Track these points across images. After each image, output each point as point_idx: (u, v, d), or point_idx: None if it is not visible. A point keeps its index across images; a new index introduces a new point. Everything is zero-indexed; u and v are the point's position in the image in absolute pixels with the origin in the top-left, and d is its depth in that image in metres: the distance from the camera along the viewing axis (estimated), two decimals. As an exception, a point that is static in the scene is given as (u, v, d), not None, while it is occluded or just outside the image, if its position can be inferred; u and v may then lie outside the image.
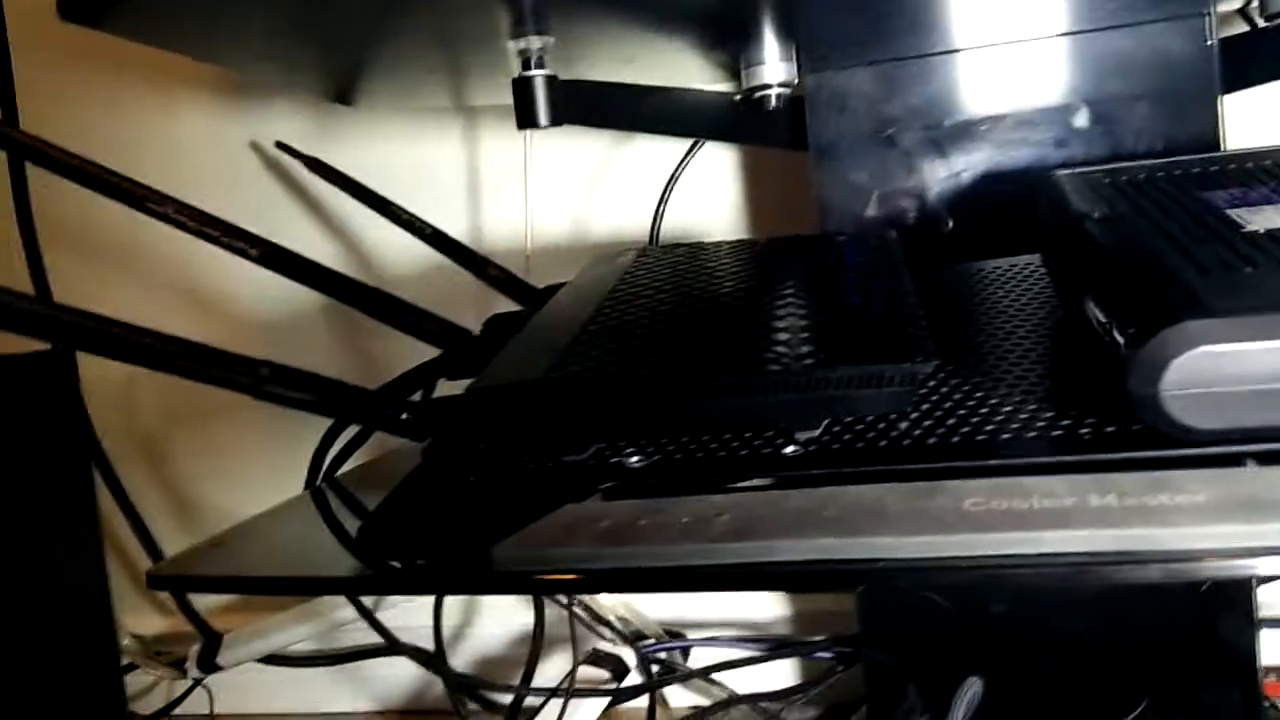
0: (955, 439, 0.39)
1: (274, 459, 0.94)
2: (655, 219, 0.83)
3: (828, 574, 0.34)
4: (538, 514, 0.38)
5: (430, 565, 0.39)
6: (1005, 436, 0.39)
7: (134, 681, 0.94)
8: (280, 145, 0.92)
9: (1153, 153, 0.67)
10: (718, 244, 0.65)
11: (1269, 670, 0.71)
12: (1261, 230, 0.41)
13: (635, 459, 0.42)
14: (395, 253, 0.93)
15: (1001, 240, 0.66)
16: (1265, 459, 0.34)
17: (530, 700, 0.79)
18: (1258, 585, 0.69)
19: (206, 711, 0.92)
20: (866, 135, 0.71)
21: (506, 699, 0.83)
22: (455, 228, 0.90)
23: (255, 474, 0.95)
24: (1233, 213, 0.44)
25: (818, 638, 0.82)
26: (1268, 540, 0.30)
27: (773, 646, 0.83)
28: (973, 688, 0.68)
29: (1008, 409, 0.41)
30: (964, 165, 0.71)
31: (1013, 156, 0.70)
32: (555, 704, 0.74)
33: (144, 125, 0.99)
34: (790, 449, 0.41)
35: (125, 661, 0.90)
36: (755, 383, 0.40)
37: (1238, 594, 0.68)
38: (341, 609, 0.88)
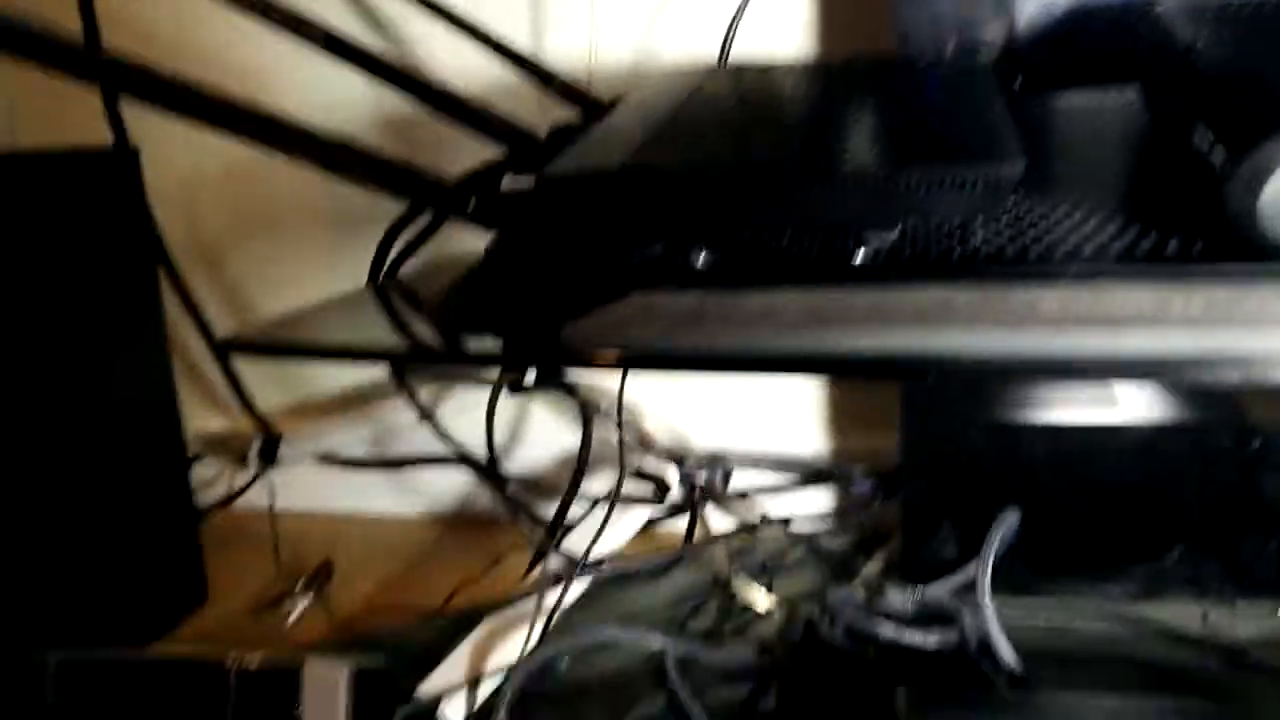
0: (1034, 252, 0.39)
1: (337, 268, 0.95)
2: (725, 41, 0.80)
3: (896, 362, 0.34)
4: (605, 301, 0.38)
5: (501, 340, 0.40)
6: (1087, 251, 0.38)
7: (198, 475, 0.98)
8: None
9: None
10: (790, 65, 0.63)
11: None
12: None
13: (703, 259, 0.42)
14: (455, 64, 0.91)
15: (1096, 71, 0.63)
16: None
17: (574, 515, 0.82)
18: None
19: (266, 505, 0.97)
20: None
21: (552, 510, 0.86)
22: (518, 37, 0.88)
23: (317, 282, 0.96)
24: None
25: (856, 468, 0.83)
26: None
27: (812, 475, 0.84)
28: (1009, 518, 0.69)
29: (1093, 225, 0.40)
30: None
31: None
32: (598, 517, 0.77)
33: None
34: (861, 256, 0.41)
35: (191, 454, 0.94)
36: (833, 178, 0.39)
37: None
38: (398, 413, 0.91)
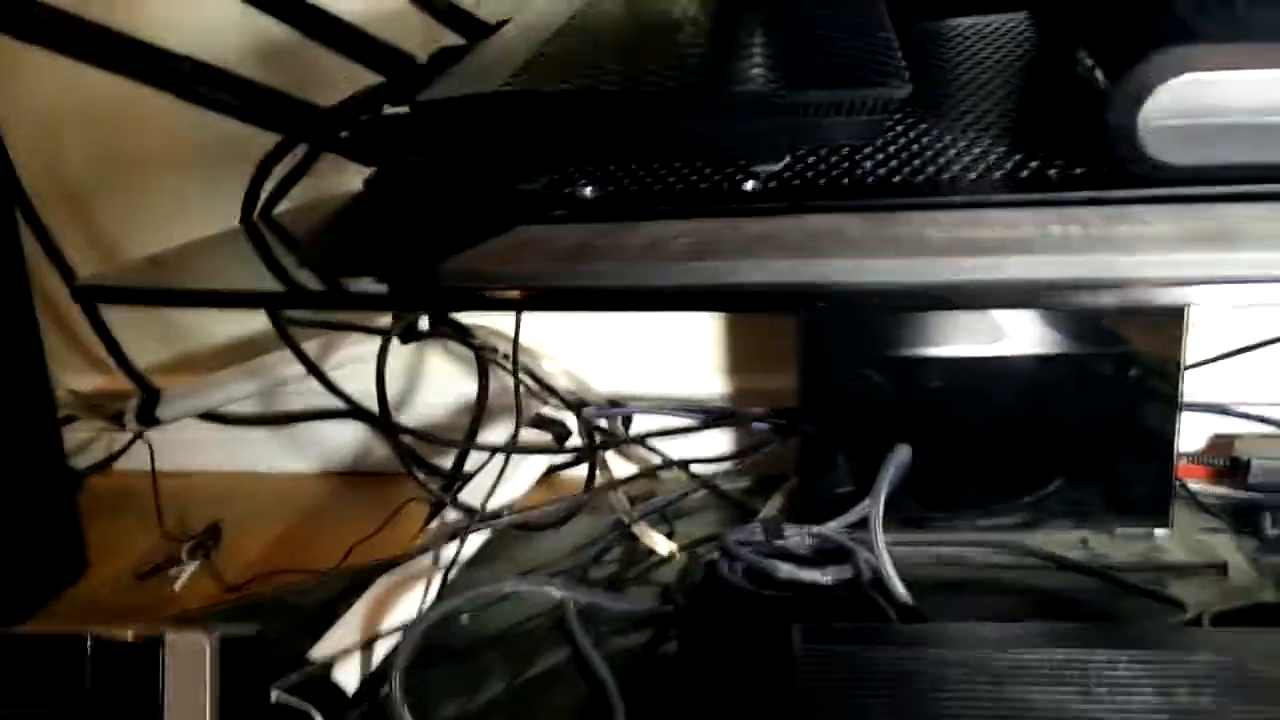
0: (921, 177, 0.38)
1: (211, 210, 0.90)
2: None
3: (787, 294, 0.33)
4: (489, 235, 0.37)
5: (378, 281, 0.38)
6: (972, 176, 0.38)
7: (71, 437, 0.93)
8: None
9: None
10: None
11: (1182, 455, 0.75)
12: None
13: (589, 189, 0.41)
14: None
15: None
16: (1234, 199, 0.34)
17: (473, 465, 0.80)
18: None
19: (147, 467, 0.92)
20: None
21: (450, 462, 0.84)
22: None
23: (190, 224, 0.92)
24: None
25: (755, 410, 0.83)
26: (1228, 270, 0.30)
27: (711, 417, 0.84)
28: (900, 454, 0.70)
29: (977, 150, 0.40)
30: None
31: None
32: (497, 465, 0.75)
33: None
34: (750, 184, 0.40)
35: (62, 414, 0.89)
36: (718, 102, 0.38)
37: (1163, 380, 0.70)
38: (285, 366, 0.87)
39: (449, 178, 0.42)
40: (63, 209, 0.94)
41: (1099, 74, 0.36)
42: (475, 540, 0.72)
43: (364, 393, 0.90)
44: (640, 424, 0.86)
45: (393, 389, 0.92)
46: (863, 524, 0.70)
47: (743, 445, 0.86)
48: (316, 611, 0.71)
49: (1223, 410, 0.79)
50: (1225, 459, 0.78)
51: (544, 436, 0.80)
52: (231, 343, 0.97)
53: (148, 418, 0.89)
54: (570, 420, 0.80)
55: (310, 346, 0.87)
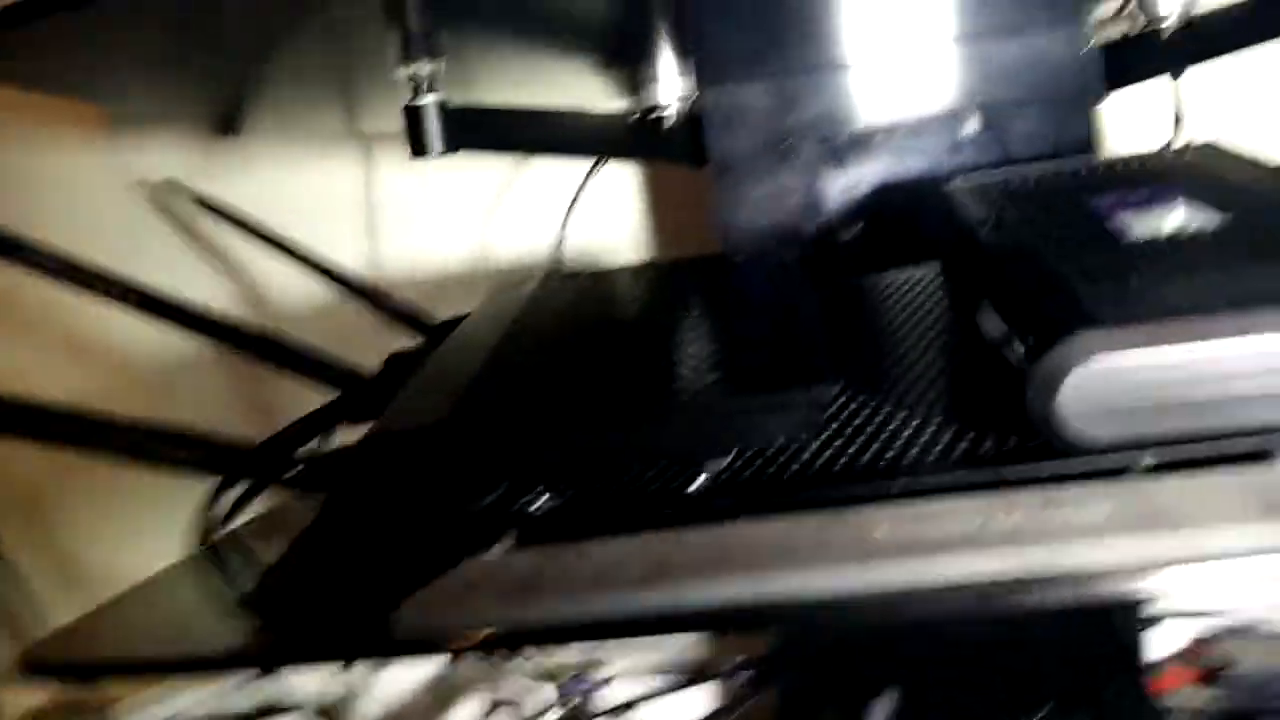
0: (861, 463, 0.39)
1: (163, 510, 0.90)
2: (557, 243, 0.81)
3: (739, 617, 0.33)
4: (439, 570, 0.36)
5: (330, 634, 0.37)
6: (909, 458, 0.39)
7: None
8: (167, 183, 0.88)
9: (1040, 156, 0.68)
10: (618, 270, 0.64)
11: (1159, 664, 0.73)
12: (1144, 239, 0.42)
13: (542, 500, 0.41)
14: (291, 291, 0.90)
15: (900, 250, 0.66)
16: (1160, 468, 0.34)
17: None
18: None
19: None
20: (764, 149, 0.71)
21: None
22: (353, 262, 0.88)
23: (144, 528, 0.91)
24: (1117, 218, 0.45)
25: (733, 660, 0.81)
26: (1168, 554, 0.30)
27: (689, 677, 0.82)
28: (889, 702, 0.68)
29: (910, 429, 0.41)
30: (861, 176, 0.71)
31: (908, 165, 0.70)
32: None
33: (17, 165, 0.94)
34: (699, 480, 0.40)
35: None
36: (661, 416, 0.39)
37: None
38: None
39: (401, 502, 0.42)
40: (12, 514, 0.93)
41: (1014, 347, 0.37)
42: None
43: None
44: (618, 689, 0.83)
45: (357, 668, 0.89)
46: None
47: (725, 699, 0.83)
48: None
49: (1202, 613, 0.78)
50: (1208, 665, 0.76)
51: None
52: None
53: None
54: (547, 692, 0.77)
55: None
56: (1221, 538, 0.31)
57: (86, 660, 0.38)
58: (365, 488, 0.43)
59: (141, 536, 0.90)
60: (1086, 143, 0.67)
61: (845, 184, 0.71)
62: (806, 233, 0.71)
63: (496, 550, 0.37)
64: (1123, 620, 0.68)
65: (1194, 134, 0.70)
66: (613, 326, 0.50)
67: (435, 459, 0.41)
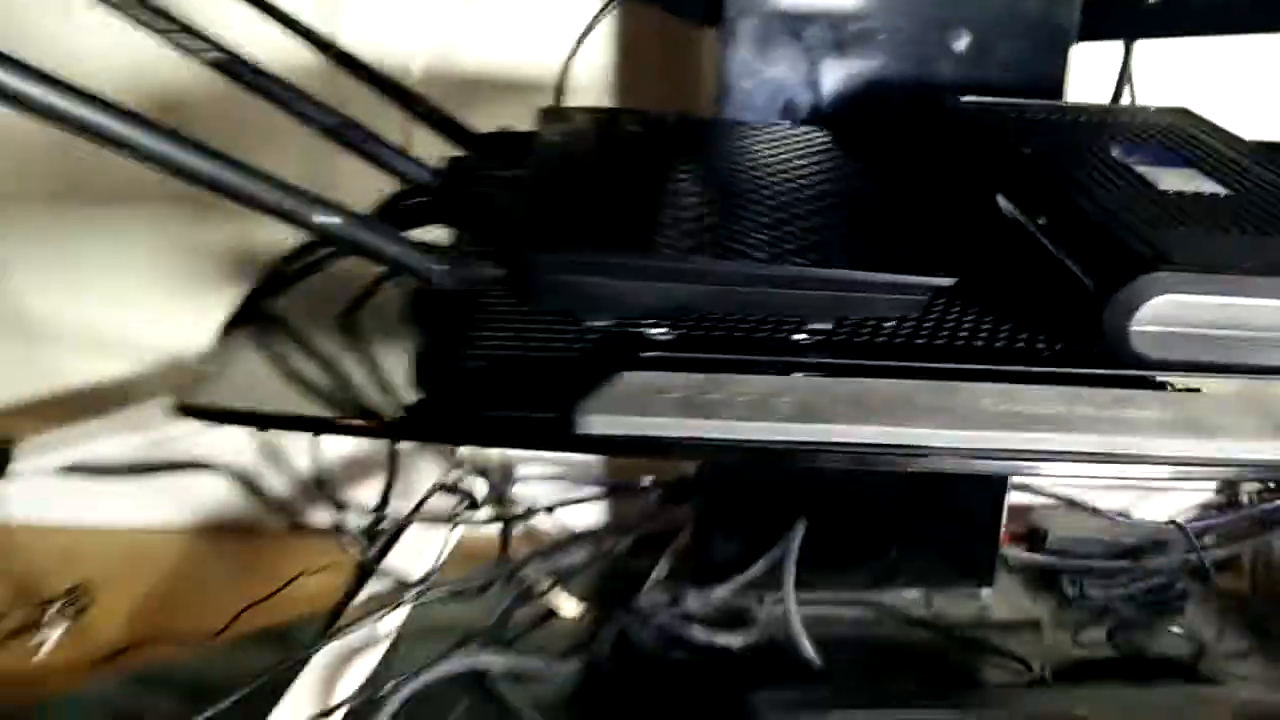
0: (957, 343, 0.47)
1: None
2: (564, 70, 0.82)
3: (881, 457, 0.40)
4: (592, 377, 0.41)
5: (522, 423, 0.41)
6: (997, 345, 0.47)
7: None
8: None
9: (1016, 88, 0.76)
10: (700, 120, 0.68)
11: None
12: (1173, 191, 0.51)
13: (658, 331, 0.46)
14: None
15: (889, 145, 0.73)
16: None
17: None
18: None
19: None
20: (778, 25, 0.75)
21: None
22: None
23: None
24: (1142, 170, 0.54)
25: (646, 481, 0.90)
26: (1205, 452, 0.40)
27: (606, 485, 0.90)
28: (799, 529, 0.79)
29: (988, 322, 0.49)
30: (860, 68, 0.76)
31: (903, 68, 0.76)
32: (414, 534, 0.77)
33: None
34: (802, 336, 0.46)
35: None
36: (787, 280, 0.44)
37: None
38: (166, 424, 0.84)
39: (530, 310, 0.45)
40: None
41: (1083, 277, 0.46)
42: (400, 613, 0.73)
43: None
44: (539, 489, 0.90)
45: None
46: (750, 586, 0.78)
47: (634, 509, 0.92)
48: (204, 680, 0.70)
49: (1026, 487, 0.94)
50: (1027, 528, 0.93)
51: (451, 501, 0.82)
52: (101, 385, 0.91)
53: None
54: (479, 486, 0.83)
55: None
56: (1239, 447, 0.41)
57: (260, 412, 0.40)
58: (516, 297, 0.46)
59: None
60: (1059, 86, 0.75)
61: (844, 73, 0.76)
62: (803, 112, 0.76)
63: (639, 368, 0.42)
64: (996, 488, 0.82)
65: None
66: (721, 179, 0.54)
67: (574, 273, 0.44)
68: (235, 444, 0.88)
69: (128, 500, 0.89)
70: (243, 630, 0.77)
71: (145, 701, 0.74)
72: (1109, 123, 0.64)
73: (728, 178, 0.55)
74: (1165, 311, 0.43)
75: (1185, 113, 0.66)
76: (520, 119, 0.67)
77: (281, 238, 0.50)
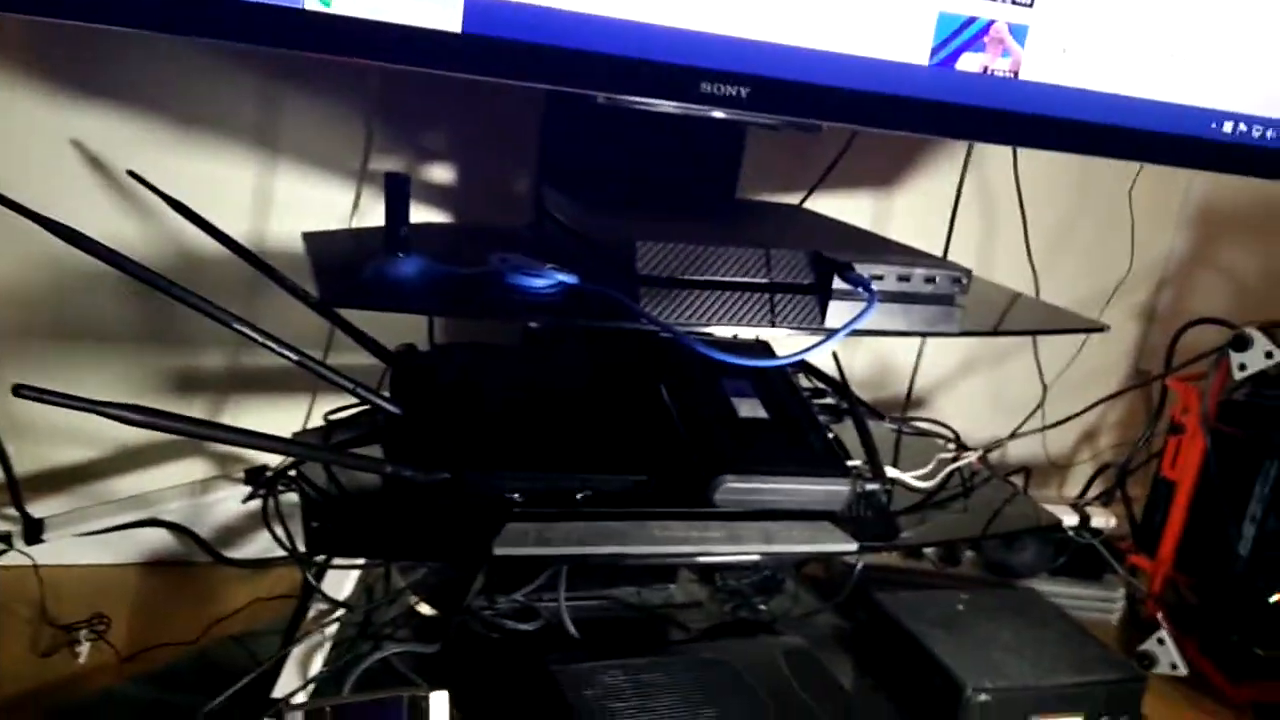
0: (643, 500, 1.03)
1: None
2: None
3: (622, 560, 0.96)
4: (500, 523, 0.94)
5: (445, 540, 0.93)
6: (657, 499, 1.04)
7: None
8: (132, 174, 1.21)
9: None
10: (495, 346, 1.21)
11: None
12: (746, 416, 1.10)
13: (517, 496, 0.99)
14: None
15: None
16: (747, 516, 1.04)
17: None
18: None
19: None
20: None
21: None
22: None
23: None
24: (732, 399, 1.13)
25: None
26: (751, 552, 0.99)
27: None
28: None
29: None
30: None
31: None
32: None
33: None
34: (580, 497, 1.01)
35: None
36: (566, 472, 0.99)
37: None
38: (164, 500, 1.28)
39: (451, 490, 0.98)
40: None
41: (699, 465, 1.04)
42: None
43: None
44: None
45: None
46: (535, 590, 1.33)
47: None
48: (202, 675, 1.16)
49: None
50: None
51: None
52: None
53: (34, 540, 1.23)
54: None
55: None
56: (768, 548, 1.00)
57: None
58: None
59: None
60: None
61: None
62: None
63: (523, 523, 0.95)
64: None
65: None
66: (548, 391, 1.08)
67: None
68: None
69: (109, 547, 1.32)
70: (214, 637, 1.23)
71: (163, 693, 1.19)
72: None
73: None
74: (730, 485, 1.01)
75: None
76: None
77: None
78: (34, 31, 1.20)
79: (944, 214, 1.61)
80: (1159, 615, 1.44)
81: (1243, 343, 1.39)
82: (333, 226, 1.36)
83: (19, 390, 0.75)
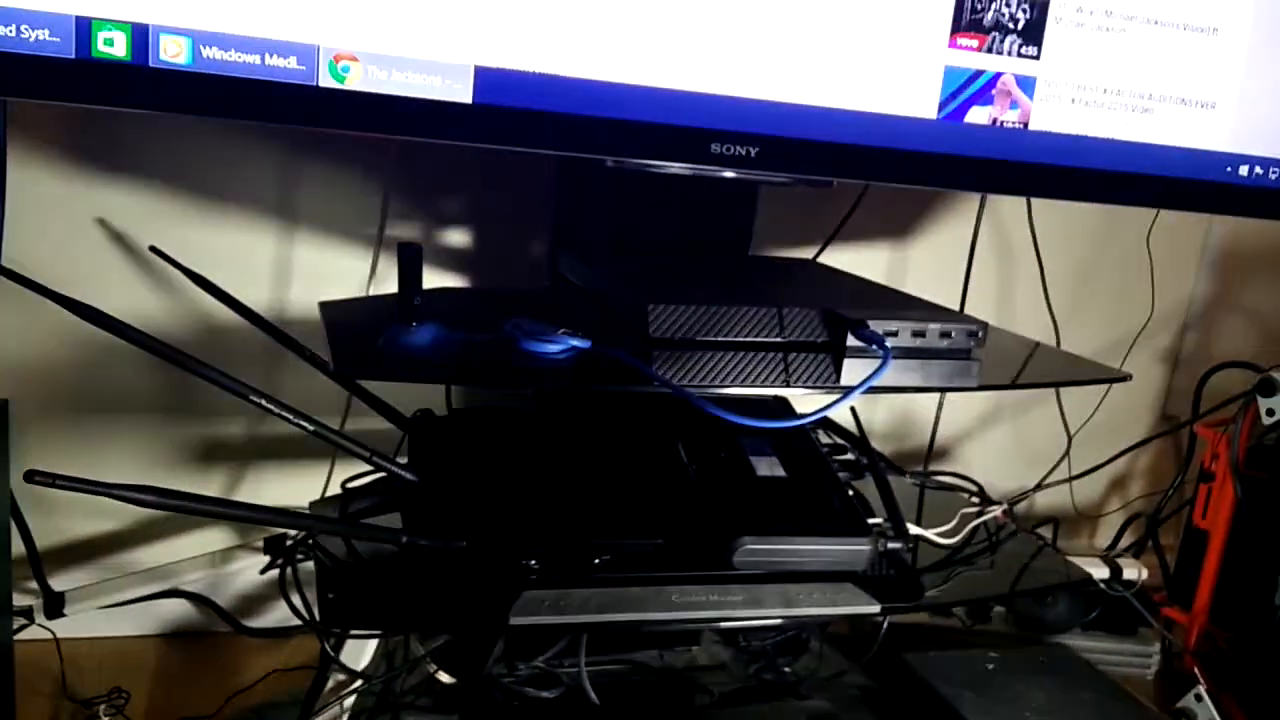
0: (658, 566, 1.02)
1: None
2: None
3: (643, 625, 0.94)
4: (517, 591, 0.93)
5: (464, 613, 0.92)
6: (674, 564, 1.02)
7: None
8: (154, 250, 1.23)
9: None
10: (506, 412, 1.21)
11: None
12: (764, 475, 1.09)
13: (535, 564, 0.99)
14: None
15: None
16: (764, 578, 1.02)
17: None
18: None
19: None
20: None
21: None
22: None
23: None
24: (751, 458, 1.12)
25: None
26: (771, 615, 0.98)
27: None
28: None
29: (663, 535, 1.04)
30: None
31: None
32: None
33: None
34: (598, 561, 1.00)
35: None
36: (581, 536, 0.98)
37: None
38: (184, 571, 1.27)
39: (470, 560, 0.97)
40: None
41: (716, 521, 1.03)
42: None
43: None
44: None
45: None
46: (555, 657, 1.31)
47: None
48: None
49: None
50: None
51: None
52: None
53: (55, 614, 1.23)
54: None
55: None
56: (789, 611, 0.99)
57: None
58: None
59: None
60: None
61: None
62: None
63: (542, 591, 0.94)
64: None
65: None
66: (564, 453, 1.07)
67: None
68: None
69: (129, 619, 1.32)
70: (234, 709, 1.22)
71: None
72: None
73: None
74: (749, 547, 1.00)
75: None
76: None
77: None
78: (57, 111, 1.22)
79: (960, 264, 1.61)
80: (1196, 670, 1.40)
81: (1270, 387, 1.36)
82: (352, 293, 1.38)
83: (31, 477, 0.75)
